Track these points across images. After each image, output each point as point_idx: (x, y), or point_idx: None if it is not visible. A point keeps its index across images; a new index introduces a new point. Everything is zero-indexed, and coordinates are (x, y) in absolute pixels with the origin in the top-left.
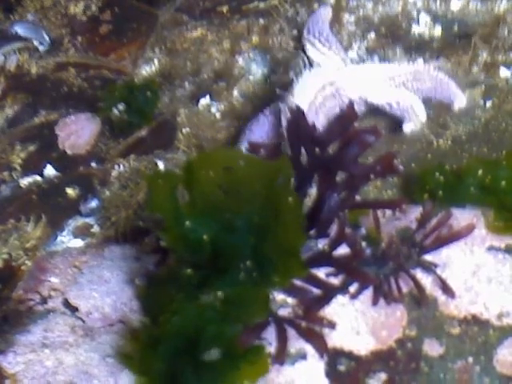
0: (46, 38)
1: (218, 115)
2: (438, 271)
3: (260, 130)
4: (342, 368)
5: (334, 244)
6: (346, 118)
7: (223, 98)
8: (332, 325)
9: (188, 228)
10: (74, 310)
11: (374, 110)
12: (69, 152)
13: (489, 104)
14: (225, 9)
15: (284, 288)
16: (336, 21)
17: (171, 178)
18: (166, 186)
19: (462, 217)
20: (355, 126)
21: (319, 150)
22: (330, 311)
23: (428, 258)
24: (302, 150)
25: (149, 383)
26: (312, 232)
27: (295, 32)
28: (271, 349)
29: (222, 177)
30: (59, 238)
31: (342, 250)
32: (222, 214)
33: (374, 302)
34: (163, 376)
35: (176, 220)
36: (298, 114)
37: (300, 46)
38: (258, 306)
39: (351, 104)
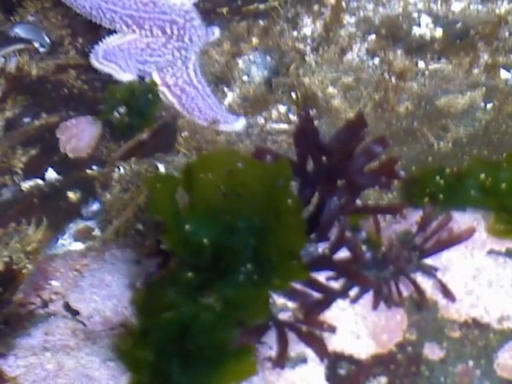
0: (47, 39)
1: None
2: (439, 275)
3: None
4: (342, 372)
5: (335, 248)
6: (354, 126)
7: (223, 100)
8: (332, 329)
9: (188, 231)
10: (74, 313)
11: None
12: (70, 155)
13: (489, 106)
14: (225, 10)
15: (284, 292)
16: (336, 22)
17: (171, 180)
18: (166, 188)
19: (462, 220)
20: (363, 136)
21: (326, 159)
22: (330, 315)
23: (428, 261)
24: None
25: (139, 376)
26: (312, 236)
27: (295, 33)
28: (271, 353)
29: (222, 179)
30: (60, 241)
31: (343, 254)
32: (222, 216)
33: (375, 306)
34: (152, 368)
35: (176, 223)
36: (307, 122)
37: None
38: (258, 308)
39: (360, 114)
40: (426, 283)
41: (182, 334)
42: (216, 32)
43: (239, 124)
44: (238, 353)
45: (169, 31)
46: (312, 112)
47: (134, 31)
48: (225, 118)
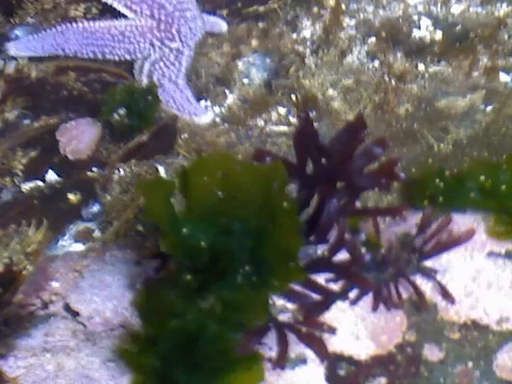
0: None
1: (217, 119)
2: (438, 276)
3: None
4: (341, 372)
5: (334, 249)
6: (354, 128)
7: (223, 102)
8: (332, 330)
9: (185, 234)
10: (75, 314)
11: None
12: (70, 157)
13: (489, 108)
14: (225, 12)
15: (284, 293)
16: (336, 24)
17: (166, 184)
18: (162, 192)
19: (462, 222)
20: (363, 137)
21: (325, 160)
22: (329, 316)
23: (428, 263)
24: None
25: (144, 382)
26: (312, 238)
27: (295, 35)
28: (272, 353)
29: (218, 182)
30: (60, 243)
31: (342, 256)
32: (218, 219)
33: (374, 308)
34: (159, 375)
35: (172, 226)
36: (306, 124)
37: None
38: (257, 310)
39: (360, 115)
40: (425, 285)
41: (189, 343)
42: (223, 26)
43: (207, 117)
44: (245, 361)
45: (156, 15)
46: (312, 114)
47: (134, 11)
48: (195, 111)
